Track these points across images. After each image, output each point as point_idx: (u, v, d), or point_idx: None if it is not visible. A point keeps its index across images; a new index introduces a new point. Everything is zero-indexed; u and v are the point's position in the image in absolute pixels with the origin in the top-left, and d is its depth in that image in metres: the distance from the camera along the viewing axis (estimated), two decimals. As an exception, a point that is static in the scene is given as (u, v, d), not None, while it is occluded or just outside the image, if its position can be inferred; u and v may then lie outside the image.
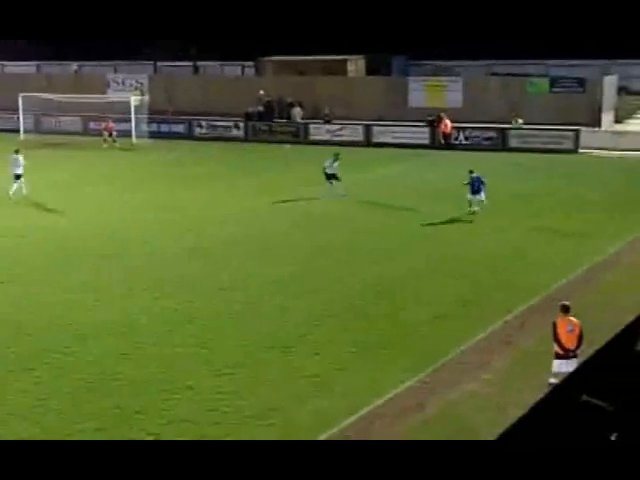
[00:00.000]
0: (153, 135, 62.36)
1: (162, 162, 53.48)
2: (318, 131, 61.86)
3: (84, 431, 17.53)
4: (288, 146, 56.67)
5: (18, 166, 41.59)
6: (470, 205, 37.29)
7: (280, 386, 19.90)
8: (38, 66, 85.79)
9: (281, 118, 65.03)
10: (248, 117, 64.28)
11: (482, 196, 37.35)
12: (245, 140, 62.80)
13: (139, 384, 20.09)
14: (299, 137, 61.51)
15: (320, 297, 26.39)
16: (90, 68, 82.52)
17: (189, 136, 64.18)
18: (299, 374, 20.53)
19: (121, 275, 28.95)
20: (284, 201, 40.61)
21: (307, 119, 63.80)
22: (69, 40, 76.55)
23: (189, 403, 19.08)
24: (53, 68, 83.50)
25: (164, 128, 64.69)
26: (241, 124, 63.97)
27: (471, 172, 37.84)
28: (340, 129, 61.43)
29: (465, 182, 37.46)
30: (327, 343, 22.53)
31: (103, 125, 60.34)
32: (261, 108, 65.16)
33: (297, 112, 64.27)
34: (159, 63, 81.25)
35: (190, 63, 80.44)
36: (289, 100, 65.11)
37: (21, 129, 63.39)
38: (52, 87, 67.97)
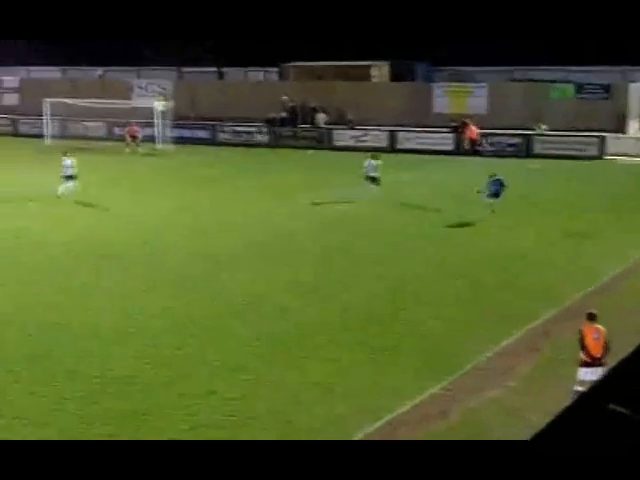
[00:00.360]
0: (177, 141, 62.43)
1: (185, 167, 53.46)
2: (342, 137, 61.81)
3: (97, 435, 17.39)
4: (311, 151, 56.80)
5: (67, 168, 42.46)
6: (490, 207, 37.31)
7: (290, 390, 19.75)
8: (63, 71, 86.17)
9: (305, 123, 65.02)
10: (270, 123, 64.28)
11: (497, 201, 37.36)
12: (268, 145, 62.82)
13: (156, 388, 19.95)
14: (323, 143, 61.47)
15: (335, 300, 26.22)
16: (115, 73, 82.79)
17: (213, 142, 64.25)
18: (311, 379, 20.37)
19: (125, 278, 28.83)
20: (304, 205, 40.49)
21: (331, 125, 63.76)
22: (96, 39, 76.87)
23: (209, 408, 18.98)
24: (78, 73, 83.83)
25: (188, 133, 64.77)
26: (264, 129, 64.00)
27: (491, 176, 37.81)
28: (364, 135, 61.36)
29: (479, 189, 37.58)
30: (343, 347, 22.36)
31: (126, 129, 60.43)
32: (285, 114, 65.17)
33: (321, 118, 64.26)
34: (183, 69, 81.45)
35: (214, 69, 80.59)
36: (312, 105, 65.09)
37: (46, 134, 63.59)
38: (77, 92, 68.27)
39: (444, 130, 60.20)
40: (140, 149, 59.06)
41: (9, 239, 34.15)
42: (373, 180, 41.77)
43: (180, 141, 62.43)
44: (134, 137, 59.79)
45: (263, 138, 63.89)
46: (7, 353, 22.06)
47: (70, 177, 42.44)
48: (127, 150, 58.93)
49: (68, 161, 42.87)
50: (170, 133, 63.13)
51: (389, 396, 19.22)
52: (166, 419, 18.36)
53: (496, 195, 37.41)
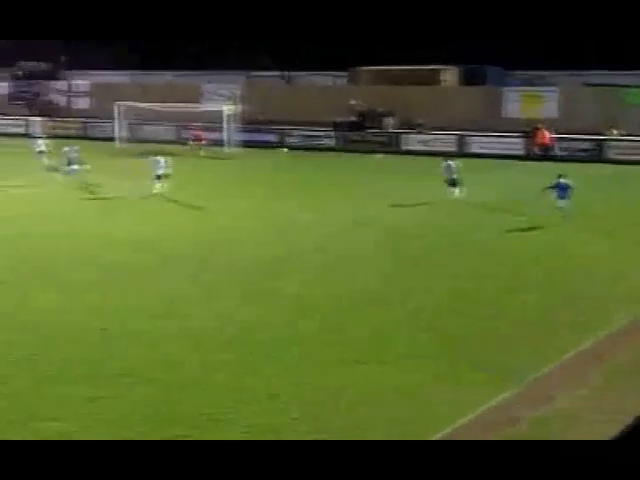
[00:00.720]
0: (245, 144, 62.48)
1: (252, 171, 53.43)
2: (410, 141, 61.44)
3: (165, 437, 17.33)
4: (380, 156, 56.47)
5: (159, 167, 43.90)
6: (560, 210, 36.79)
7: (358, 396, 19.49)
8: (133, 76, 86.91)
9: (373, 128, 64.73)
10: (337, 127, 64.08)
11: (565, 203, 36.85)
12: (337, 150, 62.65)
13: (219, 391, 19.85)
14: (391, 147, 61.15)
15: (404, 308, 25.95)
16: (184, 78, 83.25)
17: (281, 146, 64.27)
18: (377, 386, 20.11)
19: (203, 282, 28.84)
20: (371, 210, 40.22)
21: (399, 129, 63.39)
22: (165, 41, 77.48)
23: (273, 411, 18.79)
24: (148, 78, 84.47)
25: (256, 137, 64.84)
26: (332, 134, 63.84)
27: (560, 176, 37.33)
28: (433, 139, 60.89)
29: (548, 186, 37.03)
30: (412, 354, 22.07)
31: (191, 134, 60.50)
32: (353, 118, 64.96)
33: (389, 122, 63.92)
34: (252, 73, 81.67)
35: (282, 73, 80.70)
36: (381, 110, 64.77)
37: (116, 137, 64.10)
38: (146, 96, 68.68)
39: (514, 134, 59.48)
40: (202, 152, 59.09)
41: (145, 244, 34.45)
42: (454, 183, 41.68)
43: (248, 145, 62.47)
44: (199, 141, 59.85)
45: (331, 142, 63.78)
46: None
47: (161, 177, 43.82)
48: (191, 153, 58.93)
49: (162, 160, 44.29)
50: (238, 137, 63.23)
51: (458, 403, 18.88)
52: (232, 423, 18.21)
53: (563, 197, 36.90)
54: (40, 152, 52.78)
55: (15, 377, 20.31)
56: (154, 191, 43.44)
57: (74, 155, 48.61)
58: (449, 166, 42.04)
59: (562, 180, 37.24)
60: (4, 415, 18.08)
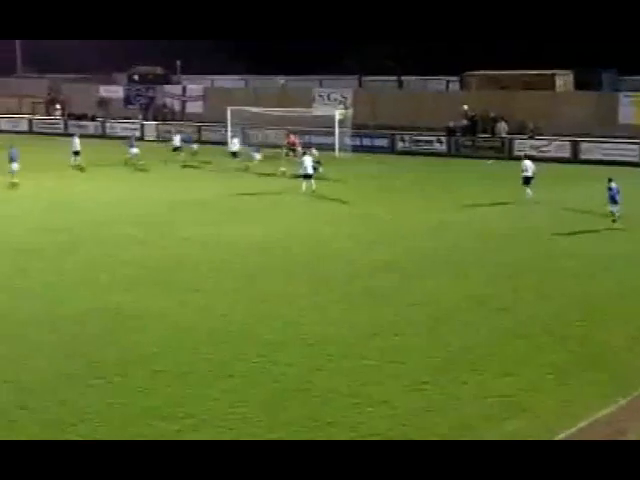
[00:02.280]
0: (356, 149, 62.47)
1: (362, 175, 53.40)
2: (523, 146, 60.67)
3: (275, 439, 17.47)
4: (491, 161, 55.93)
5: (307, 167, 46.66)
6: (612, 216, 36.72)
7: (471, 405, 19.39)
8: (246, 80, 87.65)
9: (485, 133, 64.20)
10: (450, 132, 63.73)
11: (617, 207, 36.73)
12: (448, 155, 62.31)
13: (331, 396, 19.96)
14: (503, 152, 60.53)
15: (512, 315, 25.72)
16: (296, 82, 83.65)
17: (392, 150, 64.17)
18: (492, 393, 19.97)
19: (312, 287, 28.99)
20: (481, 216, 39.89)
21: (511, 134, 62.72)
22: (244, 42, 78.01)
23: (381, 417, 18.80)
24: (260, 82, 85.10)
25: (367, 142, 64.82)
26: (444, 139, 63.48)
27: (610, 180, 37.16)
28: (546, 144, 60.09)
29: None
30: (519, 363, 21.87)
31: (285, 140, 59.79)
32: (465, 122, 64.52)
33: (502, 127, 63.30)
34: (364, 78, 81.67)
35: (394, 78, 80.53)
36: (493, 115, 64.19)
37: (229, 141, 64.72)
38: (259, 101, 69.27)
39: (630, 141, 58.29)
40: (291, 156, 58.87)
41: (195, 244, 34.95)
42: (528, 182, 42.62)
43: (359, 149, 62.44)
44: (293, 147, 59.38)
45: (442, 147, 63.41)
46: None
47: (311, 176, 46.42)
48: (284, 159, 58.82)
49: (308, 158, 47.06)
50: (350, 141, 63.25)
51: (566, 413, 18.66)
52: (340, 426, 18.27)
53: (615, 202, 36.72)
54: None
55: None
56: (303, 190, 45.86)
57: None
58: (526, 166, 43.04)
59: (613, 185, 36.58)
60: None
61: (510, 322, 25.16)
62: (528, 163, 44.01)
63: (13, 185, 49.01)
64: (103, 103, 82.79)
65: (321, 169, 47.93)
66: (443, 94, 74.83)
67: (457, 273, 30.61)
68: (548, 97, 65.92)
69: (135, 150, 57.94)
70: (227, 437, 17.72)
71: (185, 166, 56.91)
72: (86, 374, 21.34)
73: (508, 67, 68.80)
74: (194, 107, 79.84)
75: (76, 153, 57.69)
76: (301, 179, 46.84)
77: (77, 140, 58.79)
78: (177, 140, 60.79)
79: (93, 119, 79.27)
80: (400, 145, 64.87)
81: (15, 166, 49.90)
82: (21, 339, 24.08)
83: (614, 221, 36.65)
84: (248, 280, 29.86)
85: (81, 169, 55.88)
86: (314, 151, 48.79)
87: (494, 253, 33.58)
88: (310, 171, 46.73)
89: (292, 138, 59.12)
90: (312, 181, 46.46)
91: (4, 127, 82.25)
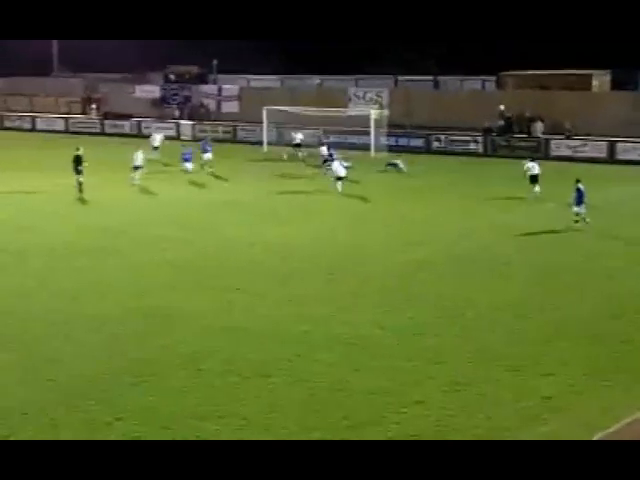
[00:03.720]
0: (391, 149, 62.46)
1: (398, 175, 53.39)
2: (559, 147, 60.51)
3: (313, 439, 17.61)
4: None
5: (341, 168, 47.14)
6: (576, 215, 37.02)
7: (510, 406, 19.43)
8: (282, 80, 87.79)
9: (521, 133, 64.00)
10: (487, 132, 63.59)
11: (582, 208, 36.91)
12: (483, 155, 62.18)
13: (367, 396, 20.07)
14: (539, 153, 60.27)
15: (552, 317, 25.71)
16: (332, 82, 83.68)
17: (427, 150, 64.12)
18: (530, 394, 20.01)
19: (350, 287, 29.11)
20: (517, 218, 39.81)
21: (547, 134, 62.51)
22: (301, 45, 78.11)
23: (416, 418, 18.89)
24: (296, 82, 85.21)
25: (402, 142, 64.81)
26: (479, 139, 63.38)
27: (577, 182, 37.40)
28: (582, 145, 59.86)
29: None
30: (559, 364, 21.89)
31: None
32: (502, 122, 64.35)
33: (538, 127, 63.07)
34: (400, 77, 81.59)
35: (430, 77, 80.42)
36: (529, 115, 63.96)
37: (264, 141, 64.94)
38: (294, 100, 69.37)
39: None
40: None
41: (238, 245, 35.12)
42: (535, 179, 44.29)
43: (394, 149, 62.41)
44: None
45: (477, 147, 63.29)
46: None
47: (342, 178, 46.71)
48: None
49: (337, 163, 47.60)
50: (385, 141, 63.26)
51: (605, 413, 18.67)
52: (375, 426, 18.38)
53: (580, 203, 36.97)
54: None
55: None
56: (339, 191, 46.33)
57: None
58: (530, 165, 45.19)
59: (580, 186, 36.96)
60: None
61: (548, 323, 25.16)
62: (533, 164, 45.48)
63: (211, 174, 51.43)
64: (157, 103, 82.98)
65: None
66: (479, 94, 74.63)
67: (494, 273, 30.63)
68: (584, 97, 65.61)
69: (208, 155, 54.89)
70: (265, 437, 17.87)
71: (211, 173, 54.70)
72: (126, 373, 21.59)
73: (545, 67, 68.52)
74: (230, 107, 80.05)
75: (155, 148, 58.39)
76: (335, 181, 47.09)
77: (158, 136, 60.16)
78: (157, 140, 60.43)
79: (130, 118, 79.65)
80: (436, 145, 64.80)
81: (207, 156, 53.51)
82: (63, 339, 24.36)
83: (577, 222, 37.06)
84: (286, 280, 30.03)
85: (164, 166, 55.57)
86: (344, 163, 48.51)
87: (531, 254, 33.55)
88: (342, 173, 47.07)
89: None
90: (340, 183, 46.78)
91: (40, 127, 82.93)
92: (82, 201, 45.92)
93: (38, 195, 47.39)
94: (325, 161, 52.61)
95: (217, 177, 52.13)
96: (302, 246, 35.03)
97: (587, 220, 36.96)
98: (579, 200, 37.07)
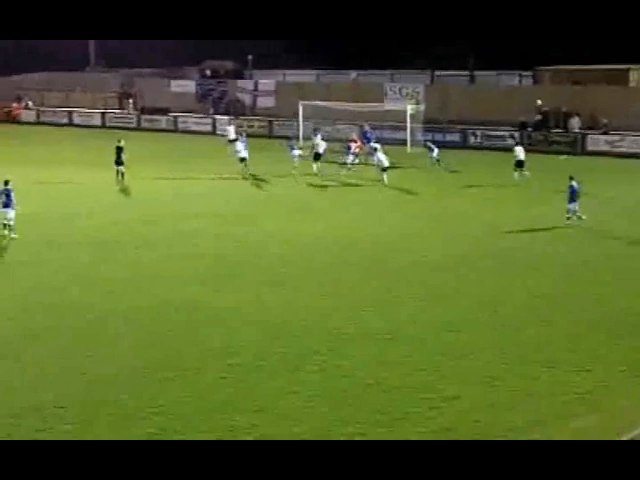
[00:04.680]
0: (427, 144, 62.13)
1: (433, 170, 53.18)
2: (596, 142, 60.05)
3: (345, 434, 17.63)
4: (564, 157, 55.38)
5: (382, 159, 48.00)
6: (568, 213, 36.69)
7: (545, 401, 19.34)
8: (317, 75, 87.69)
9: (557, 128, 63.60)
10: (524, 126, 63.23)
11: (576, 206, 36.63)
12: (519, 150, 61.78)
13: (402, 391, 20.04)
14: (576, 148, 59.93)
15: (587, 312, 25.56)
16: (368, 77, 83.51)
17: (463, 145, 63.85)
18: (565, 390, 19.90)
19: (386, 282, 29.07)
20: (551, 214, 39.51)
21: (584, 129, 62.07)
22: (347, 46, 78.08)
23: (453, 413, 18.83)
24: (332, 77, 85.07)
25: (439, 137, 64.46)
26: (516, 134, 63.00)
27: (571, 179, 37.11)
28: (620, 140, 59.40)
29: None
30: (594, 360, 21.75)
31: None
32: (539, 117, 63.97)
33: (575, 122, 62.64)
34: (436, 72, 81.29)
35: (466, 72, 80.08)
36: (565, 110, 63.55)
37: (300, 135, 64.91)
38: (330, 95, 69.22)
39: None
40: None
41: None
42: (520, 165, 47.28)
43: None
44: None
45: (514, 142, 62.87)
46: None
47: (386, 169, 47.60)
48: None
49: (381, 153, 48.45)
50: (422, 137, 63.01)
51: (637, 409, 18.55)
52: (410, 421, 18.36)
53: (573, 200, 36.70)
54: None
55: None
56: (385, 182, 47.28)
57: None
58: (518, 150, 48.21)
59: (574, 183, 36.70)
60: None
61: (583, 318, 25.01)
62: (519, 148, 49.19)
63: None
64: (204, 98, 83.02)
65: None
66: (515, 89, 74.18)
67: (530, 268, 30.50)
68: (622, 92, 65.08)
69: (298, 152, 53.14)
70: (298, 430, 17.91)
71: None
72: (161, 367, 21.67)
73: (582, 61, 68.02)
74: (265, 102, 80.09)
75: (231, 141, 57.85)
76: (381, 172, 47.64)
77: (231, 128, 60.73)
78: (232, 132, 60.25)
79: (166, 113, 79.82)
80: (472, 140, 64.55)
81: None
82: (98, 332, 24.49)
83: (569, 219, 36.75)
84: (321, 275, 30.04)
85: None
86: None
87: (566, 247, 33.37)
88: (387, 163, 47.63)
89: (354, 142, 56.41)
90: (385, 174, 47.31)
91: (77, 121, 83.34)
92: (122, 193, 46.25)
93: (78, 186, 47.83)
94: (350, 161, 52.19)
95: (254, 177, 51.82)
96: (336, 240, 34.99)
97: (583, 217, 36.59)
98: (572, 197, 36.74)
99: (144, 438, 17.35)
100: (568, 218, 36.80)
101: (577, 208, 36.80)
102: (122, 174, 48.84)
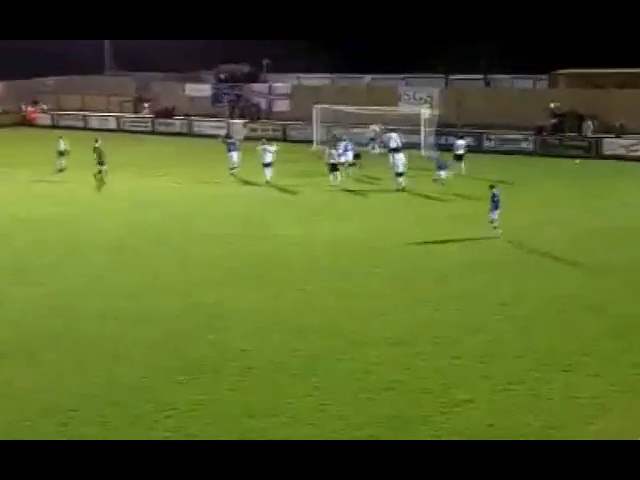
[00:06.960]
0: (442, 148, 62.09)
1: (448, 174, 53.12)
2: (611, 146, 59.86)
3: (360, 437, 17.65)
4: (578, 161, 55.22)
5: (398, 165, 47.67)
6: (492, 222, 35.74)
7: (559, 405, 19.34)
8: (332, 79, 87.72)
9: (572, 131, 63.46)
10: (540, 130, 63.11)
11: (495, 214, 35.78)
12: (535, 154, 61.65)
13: (417, 394, 20.05)
14: (591, 152, 59.77)
15: (605, 316, 25.51)
16: (382, 81, 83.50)
17: (478, 149, 63.66)
18: (579, 394, 19.89)
19: (405, 284, 29.09)
20: (570, 216, 39.47)
21: (599, 133, 61.89)
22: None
23: (467, 416, 18.84)
24: (346, 81, 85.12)
25: (453, 141, 64.37)
26: (531, 137, 62.90)
27: (492, 187, 36.63)
28: (636, 144, 59.19)
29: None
30: (610, 364, 21.73)
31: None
32: (553, 120, 63.84)
33: (587, 126, 62.49)
34: (450, 76, 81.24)
35: (481, 76, 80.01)
36: (580, 113, 63.38)
37: (314, 139, 64.89)
38: (345, 99, 69.19)
39: None
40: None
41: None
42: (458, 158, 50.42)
43: (445, 148, 62.05)
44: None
45: (529, 146, 62.79)
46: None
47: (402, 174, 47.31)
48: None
49: (400, 155, 48.40)
50: (435, 140, 62.92)
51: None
52: (425, 425, 18.37)
53: (496, 208, 35.86)
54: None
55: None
56: (395, 187, 47.09)
57: None
58: (456, 143, 51.28)
59: (495, 191, 36.27)
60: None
61: (601, 321, 24.98)
62: (461, 142, 52.91)
63: None
64: (219, 101, 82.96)
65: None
66: (530, 92, 74.09)
67: (549, 271, 30.48)
68: (638, 95, 64.90)
69: (349, 155, 52.27)
70: (314, 434, 17.95)
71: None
72: (178, 370, 21.74)
73: (598, 65, 67.88)
74: (280, 105, 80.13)
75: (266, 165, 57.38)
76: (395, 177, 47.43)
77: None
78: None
79: (186, 117, 79.85)
80: (487, 144, 64.41)
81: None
82: (116, 336, 24.56)
83: (495, 228, 35.75)
84: (338, 277, 30.07)
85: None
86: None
87: (585, 253, 33.25)
88: (401, 169, 47.38)
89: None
90: (400, 179, 47.14)
91: (92, 125, 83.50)
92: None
93: (92, 190, 47.96)
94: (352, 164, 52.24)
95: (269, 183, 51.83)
96: (354, 243, 35.00)
97: (500, 231, 35.52)
98: (495, 206, 36.06)
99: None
100: (495, 228, 35.81)
101: (496, 217, 35.93)
102: (102, 172, 48.51)
